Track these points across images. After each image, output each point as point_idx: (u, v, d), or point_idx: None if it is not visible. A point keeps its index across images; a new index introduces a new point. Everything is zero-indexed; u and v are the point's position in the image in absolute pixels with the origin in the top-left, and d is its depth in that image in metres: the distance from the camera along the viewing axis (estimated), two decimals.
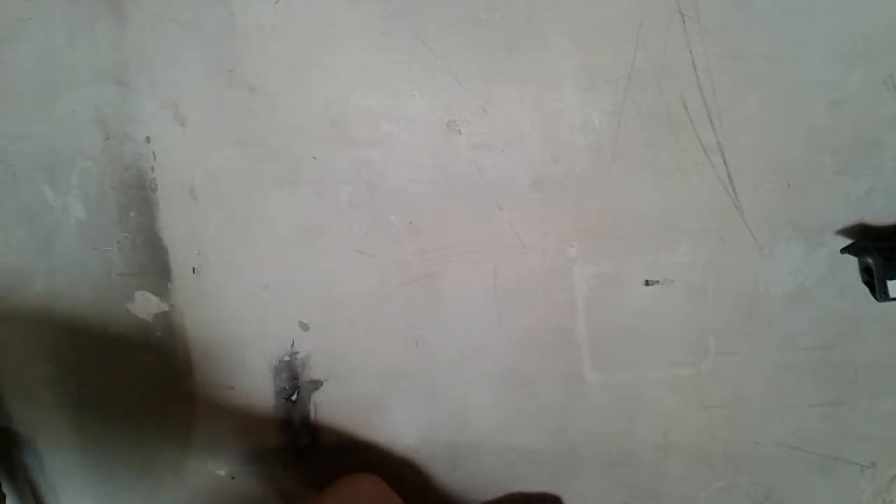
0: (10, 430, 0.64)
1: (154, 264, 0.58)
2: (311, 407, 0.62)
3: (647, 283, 0.57)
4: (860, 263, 0.56)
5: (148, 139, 0.55)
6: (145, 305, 0.59)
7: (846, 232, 0.56)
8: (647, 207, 0.55)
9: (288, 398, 0.62)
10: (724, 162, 0.54)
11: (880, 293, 0.53)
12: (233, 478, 0.64)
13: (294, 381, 0.62)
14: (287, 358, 0.61)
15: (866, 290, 0.56)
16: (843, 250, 0.56)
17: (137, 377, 0.61)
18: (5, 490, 0.62)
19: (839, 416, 0.60)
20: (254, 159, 0.55)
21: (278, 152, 0.55)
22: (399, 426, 0.63)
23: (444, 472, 0.64)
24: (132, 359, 0.61)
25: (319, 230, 0.56)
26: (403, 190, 0.55)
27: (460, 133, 0.54)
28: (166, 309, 0.60)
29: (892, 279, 0.53)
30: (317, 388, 0.62)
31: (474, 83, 0.53)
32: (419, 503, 0.64)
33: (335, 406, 0.62)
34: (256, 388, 0.61)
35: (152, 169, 0.56)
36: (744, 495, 0.62)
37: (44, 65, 0.53)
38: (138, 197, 0.56)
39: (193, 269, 0.59)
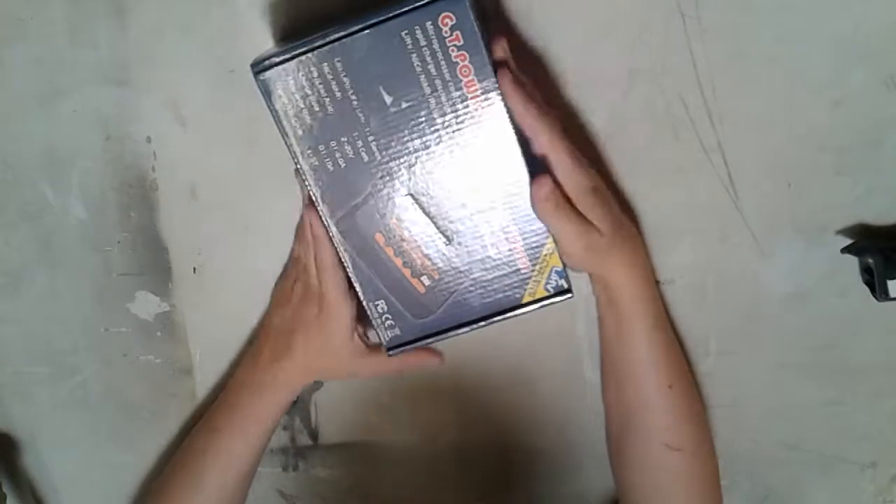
0: (10, 431, 0.64)
1: (154, 264, 0.58)
2: (312, 407, 0.62)
3: None
4: (860, 263, 0.56)
5: (148, 139, 0.55)
6: (146, 305, 0.59)
7: (846, 232, 0.56)
8: (647, 207, 0.55)
9: None
10: (725, 162, 0.54)
11: (881, 293, 0.53)
12: None
13: None
14: None
15: (867, 290, 0.56)
16: (844, 250, 0.56)
17: (137, 377, 0.61)
18: (5, 491, 0.62)
19: (839, 415, 0.60)
20: (255, 159, 0.55)
21: (279, 152, 0.54)
22: (400, 426, 0.63)
23: (444, 473, 0.64)
24: (132, 359, 0.61)
25: None
26: None
27: None
28: (167, 309, 0.60)
29: (892, 279, 0.53)
30: (317, 389, 0.62)
31: None
32: None
33: (336, 406, 0.62)
34: None
35: (153, 169, 0.56)
36: (744, 495, 0.62)
37: (44, 65, 0.53)
38: (139, 197, 0.56)
39: (194, 268, 0.59)
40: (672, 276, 0.57)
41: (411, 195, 0.46)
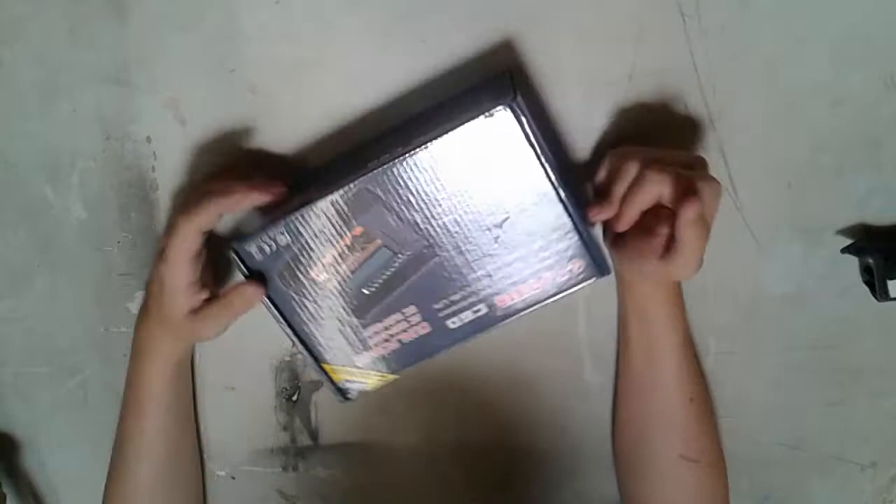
0: (10, 431, 0.64)
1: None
2: (312, 407, 0.62)
3: None
4: (860, 263, 0.56)
5: (148, 139, 0.55)
6: None
7: (846, 232, 0.56)
8: None
9: (289, 398, 0.62)
10: (725, 162, 0.54)
11: (881, 293, 0.53)
12: (233, 478, 0.64)
13: (295, 382, 0.62)
14: (288, 358, 0.61)
15: (867, 290, 0.56)
16: (844, 250, 0.56)
17: None
18: (5, 491, 0.62)
19: (839, 416, 0.60)
20: (254, 160, 0.55)
21: (279, 153, 0.55)
22: (400, 426, 0.63)
23: (444, 473, 0.64)
24: None
25: None
26: None
27: None
28: None
29: (892, 279, 0.53)
30: (318, 389, 0.62)
31: None
32: None
33: (336, 406, 0.62)
34: (257, 388, 0.61)
35: (153, 169, 0.56)
36: (744, 495, 0.62)
37: (44, 65, 0.53)
38: (139, 197, 0.56)
39: None
40: None
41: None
